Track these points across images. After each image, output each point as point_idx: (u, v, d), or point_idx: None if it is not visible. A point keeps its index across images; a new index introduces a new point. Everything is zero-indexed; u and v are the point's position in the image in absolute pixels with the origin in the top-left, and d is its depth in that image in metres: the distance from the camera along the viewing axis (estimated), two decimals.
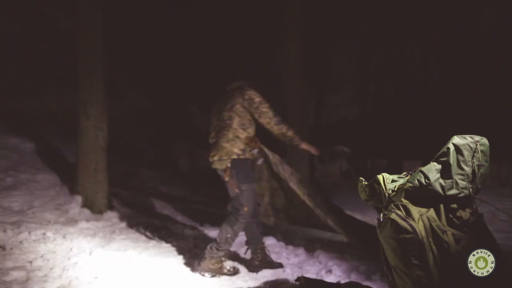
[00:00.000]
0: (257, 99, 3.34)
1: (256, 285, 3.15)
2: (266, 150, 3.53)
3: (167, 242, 4.18)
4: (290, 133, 3.37)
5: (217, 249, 3.32)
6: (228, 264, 3.44)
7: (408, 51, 13.76)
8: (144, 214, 5.28)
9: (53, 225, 4.09)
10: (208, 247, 3.37)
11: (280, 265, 3.54)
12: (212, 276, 3.30)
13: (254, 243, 3.55)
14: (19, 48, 7.52)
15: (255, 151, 3.36)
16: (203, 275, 3.31)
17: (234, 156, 3.28)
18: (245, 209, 3.27)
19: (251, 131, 3.37)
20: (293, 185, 3.58)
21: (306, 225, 3.98)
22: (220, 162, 3.33)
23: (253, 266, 3.50)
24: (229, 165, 3.29)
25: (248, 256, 3.63)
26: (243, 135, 3.31)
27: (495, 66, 12.03)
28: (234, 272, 3.38)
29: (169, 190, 7.38)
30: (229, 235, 3.31)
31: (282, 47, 7.36)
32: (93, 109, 4.82)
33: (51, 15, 6.78)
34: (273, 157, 3.55)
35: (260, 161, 3.39)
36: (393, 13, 12.56)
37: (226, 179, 3.31)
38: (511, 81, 11.30)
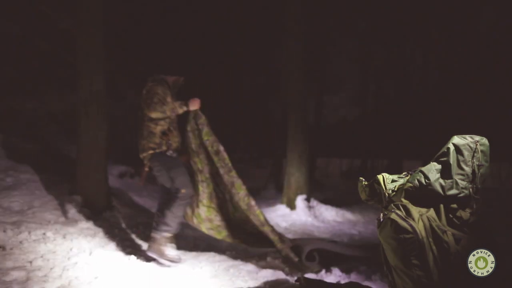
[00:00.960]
0: (148, 90, 3.49)
1: (256, 285, 3.15)
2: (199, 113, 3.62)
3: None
4: (175, 112, 3.47)
5: (159, 231, 3.45)
6: (172, 251, 3.51)
7: (408, 51, 13.76)
8: (144, 214, 5.27)
9: (53, 225, 4.08)
10: (152, 232, 3.51)
11: (178, 259, 3.55)
12: (155, 256, 3.42)
13: (155, 227, 3.64)
14: (19, 48, 7.51)
15: (170, 143, 3.50)
16: (148, 254, 3.45)
17: (151, 151, 3.47)
18: (182, 191, 3.45)
19: (163, 123, 3.51)
20: (223, 150, 3.66)
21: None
22: (145, 159, 3.54)
23: (148, 248, 3.59)
24: (149, 160, 3.51)
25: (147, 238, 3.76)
26: (156, 129, 3.48)
27: (495, 66, 12.03)
28: (176, 259, 3.45)
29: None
30: (166, 218, 3.45)
31: (282, 47, 7.37)
32: (93, 109, 4.81)
33: (51, 15, 6.77)
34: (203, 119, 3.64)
35: (170, 153, 3.51)
36: (393, 13, 12.56)
37: (145, 172, 3.56)
38: (511, 81, 11.30)
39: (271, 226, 3.71)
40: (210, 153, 3.64)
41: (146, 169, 3.57)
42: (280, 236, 3.72)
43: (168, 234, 3.48)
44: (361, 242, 4.84)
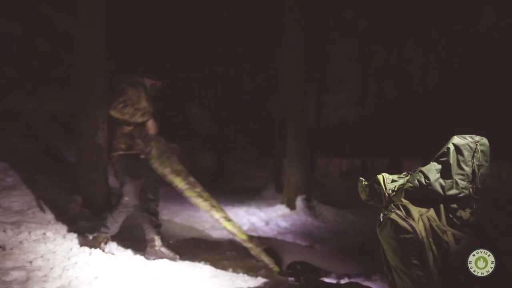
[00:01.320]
0: (119, 89, 3.49)
1: (256, 285, 3.16)
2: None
3: (167, 242, 4.17)
4: (133, 117, 3.41)
5: (98, 231, 3.59)
6: (108, 248, 3.63)
7: (408, 51, 13.76)
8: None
9: (53, 225, 4.08)
10: (95, 231, 3.63)
11: (175, 257, 3.62)
12: (91, 248, 3.51)
13: (147, 233, 3.74)
14: (19, 48, 7.51)
15: (144, 145, 3.49)
16: (86, 247, 3.54)
17: (121, 152, 3.49)
18: (125, 199, 3.54)
19: (136, 126, 3.50)
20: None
21: None
22: (113, 158, 3.57)
23: (147, 254, 3.68)
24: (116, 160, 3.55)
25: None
26: (127, 130, 3.48)
27: (495, 66, 12.03)
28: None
29: (169, 190, 7.37)
30: (107, 221, 3.56)
31: (282, 47, 7.37)
32: (93, 109, 4.81)
33: (51, 15, 6.76)
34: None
35: (142, 155, 3.50)
36: (393, 13, 12.57)
37: (114, 172, 3.61)
38: (511, 81, 11.30)
39: (245, 234, 3.71)
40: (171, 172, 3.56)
41: (115, 167, 3.62)
42: (255, 242, 3.69)
43: (106, 235, 3.61)
44: (360, 246, 4.82)
